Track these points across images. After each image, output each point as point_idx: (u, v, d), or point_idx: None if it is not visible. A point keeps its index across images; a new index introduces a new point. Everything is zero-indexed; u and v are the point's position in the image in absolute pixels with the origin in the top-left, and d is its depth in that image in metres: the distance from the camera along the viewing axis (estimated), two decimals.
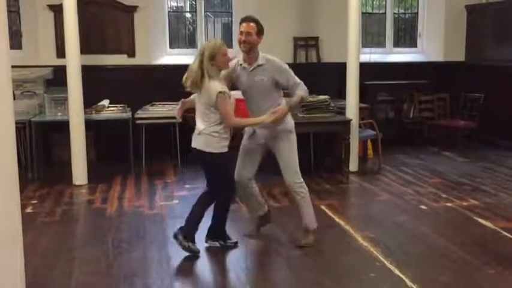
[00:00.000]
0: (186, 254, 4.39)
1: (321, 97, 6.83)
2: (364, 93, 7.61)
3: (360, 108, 7.22)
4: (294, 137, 4.42)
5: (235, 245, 4.52)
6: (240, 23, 4.33)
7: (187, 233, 4.31)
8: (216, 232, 4.49)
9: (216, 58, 4.10)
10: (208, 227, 4.50)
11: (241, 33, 4.29)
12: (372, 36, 9.46)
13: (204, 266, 4.23)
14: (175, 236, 4.32)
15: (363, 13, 8.57)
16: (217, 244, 4.48)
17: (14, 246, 2.86)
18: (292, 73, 4.37)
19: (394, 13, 9.38)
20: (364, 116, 7.65)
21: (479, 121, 8.20)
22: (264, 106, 4.29)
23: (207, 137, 4.17)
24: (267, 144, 4.43)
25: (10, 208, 2.80)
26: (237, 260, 4.33)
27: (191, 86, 4.19)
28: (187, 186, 6.49)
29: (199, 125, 4.23)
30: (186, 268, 4.16)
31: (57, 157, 7.38)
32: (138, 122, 7.33)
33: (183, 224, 4.38)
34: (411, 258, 4.32)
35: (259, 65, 4.31)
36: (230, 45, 8.73)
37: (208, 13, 8.64)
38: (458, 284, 3.86)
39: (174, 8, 8.87)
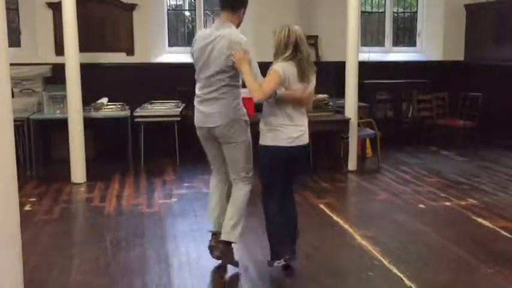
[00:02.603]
0: (184, 252, 4.39)
1: (320, 96, 6.84)
2: (363, 92, 7.61)
3: (359, 107, 7.21)
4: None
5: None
6: None
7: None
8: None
9: None
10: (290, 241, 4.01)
11: None
12: (371, 35, 9.46)
13: (202, 264, 4.22)
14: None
15: (362, 12, 8.58)
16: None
17: (12, 244, 2.85)
18: None
19: (394, 12, 9.38)
20: (363, 115, 7.65)
21: (478, 120, 8.20)
22: None
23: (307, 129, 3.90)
24: None
25: (8, 206, 2.79)
26: (235, 258, 4.32)
27: (306, 77, 3.77)
28: (186, 184, 6.49)
29: (303, 119, 3.85)
30: (185, 266, 4.16)
31: (56, 155, 7.37)
32: (137, 120, 7.33)
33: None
34: (410, 257, 4.32)
35: None
36: None
37: (207, 11, 8.63)
38: (456, 283, 3.86)
39: (173, 6, 8.86)
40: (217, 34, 3.81)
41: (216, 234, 4.12)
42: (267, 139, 3.80)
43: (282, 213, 3.94)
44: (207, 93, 3.86)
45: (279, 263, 3.92)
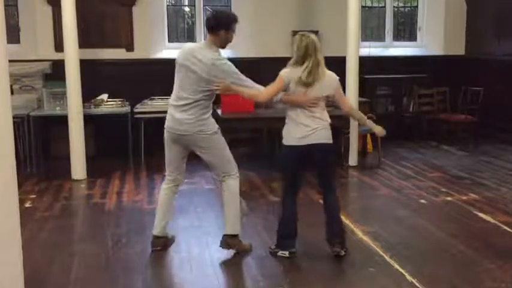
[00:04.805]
0: (185, 249, 4.38)
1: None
2: (364, 87, 7.60)
3: (360, 102, 7.20)
4: None
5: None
6: (237, 22, 4.26)
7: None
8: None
9: None
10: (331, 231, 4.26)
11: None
12: (371, 30, 9.43)
13: (203, 261, 4.22)
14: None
15: (362, 7, 8.52)
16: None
17: (13, 241, 2.84)
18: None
19: (394, 7, 9.35)
20: (364, 110, 7.61)
21: (479, 115, 8.18)
22: None
23: (328, 129, 4.16)
24: None
25: (8, 203, 2.78)
26: (236, 255, 4.32)
27: (313, 81, 4.03)
28: (186, 180, 6.42)
29: (317, 119, 4.09)
30: (186, 263, 4.15)
31: (56, 152, 7.36)
32: (137, 116, 7.31)
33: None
34: (411, 253, 4.31)
35: None
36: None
37: (207, 7, 8.60)
38: (458, 278, 3.85)
39: (173, 2, 8.84)
40: (197, 55, 4.11)
41: (158, 238, 4.37)
42: (283, 138, 4.15)
43: (324, 207, 4.37)
44: (180, 105, 4.20)
45: (284, 254, 4.18)
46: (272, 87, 4.06)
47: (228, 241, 4.25)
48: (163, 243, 4.37)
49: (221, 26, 4.15)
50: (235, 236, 4.27)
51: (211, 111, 4.29)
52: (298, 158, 4.12)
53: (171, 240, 4.50)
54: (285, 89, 4.06)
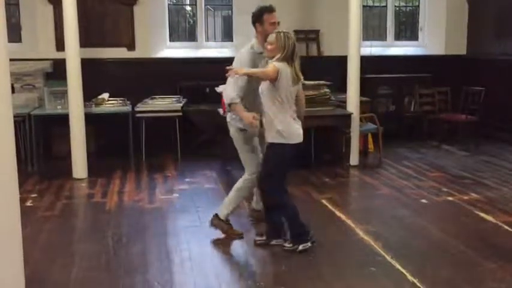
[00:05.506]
0: (186, 248, 4.38)
1: (321, 82, 6.80)
2: (365, 86, 7.58)
3: (361, 102, 7.18)
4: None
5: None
6: (270, 12, 4.42)
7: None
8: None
9: None
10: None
11: (275, 23, 4.42)
12: (372, 29, 9.42)
13: (203, 260, 4.22)
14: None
15: (363, 6, 8.53)
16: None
17: (13, 240, 2.84)
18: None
19: (395, 6, 9.34)
20: (365, 110, 7.62)
21: (480, 115, 8.17)
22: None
23: None
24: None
25: (9, 202, 2.78)
26: (237, 254, 4.32)
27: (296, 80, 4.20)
28: (187, 180, 6.47)
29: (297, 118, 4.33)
30: (186, 262, 4.15)
31: (57, 151, 7.37)
32: (138, 115, 7.31)
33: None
34: (412, 253, 4.31)
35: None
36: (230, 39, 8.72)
37: (208, 6, 8.61)
38: (459, 278, 3.84)
39: (174, 1, 8.84)
40: None
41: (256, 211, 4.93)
42: (285, 137, 4.20)
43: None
44: None
45: (305, 246, 4.25)
46: (270, 69, 4.08)
47: (213, 219, 4.58)
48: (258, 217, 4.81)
49: (254, 19, 4.47)
50: (220, 220, 4.55)
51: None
52: (295, 155, 4.29)
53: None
54: (274, 82, 4.09)
